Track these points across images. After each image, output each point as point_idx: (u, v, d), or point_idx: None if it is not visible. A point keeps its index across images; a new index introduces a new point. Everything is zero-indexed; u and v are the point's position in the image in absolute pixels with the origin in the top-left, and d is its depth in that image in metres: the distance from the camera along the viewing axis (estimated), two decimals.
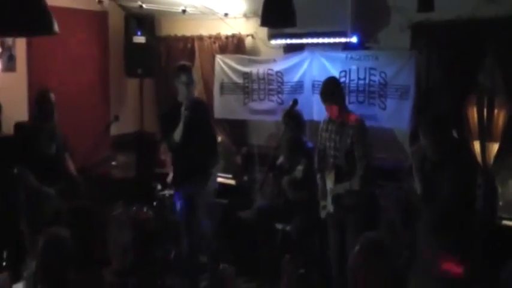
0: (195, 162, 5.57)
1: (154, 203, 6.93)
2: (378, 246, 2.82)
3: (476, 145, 5.47)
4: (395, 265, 2.77)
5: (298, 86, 6.63)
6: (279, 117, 6.15)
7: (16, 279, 4.50)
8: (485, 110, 5.40)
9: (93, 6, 7.17)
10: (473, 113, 5.47)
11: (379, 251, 2.79)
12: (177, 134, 5.52)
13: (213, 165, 5.78)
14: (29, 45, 6.71)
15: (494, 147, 5.40)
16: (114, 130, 7.24)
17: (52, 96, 5.63)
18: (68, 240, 3.43)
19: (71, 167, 5.94)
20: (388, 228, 5.63)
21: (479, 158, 5.44)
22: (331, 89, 5.31)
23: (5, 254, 4.53)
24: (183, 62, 5.99)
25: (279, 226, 6.10)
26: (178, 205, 5.84)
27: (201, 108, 5.73)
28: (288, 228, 6.00)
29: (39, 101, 5.66)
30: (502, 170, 5.45)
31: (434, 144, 4.37)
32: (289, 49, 6.85)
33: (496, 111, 5.38)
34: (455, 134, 4.87)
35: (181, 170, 5.75)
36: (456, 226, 4.30)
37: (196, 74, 7.49)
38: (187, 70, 5.67)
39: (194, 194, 5.62)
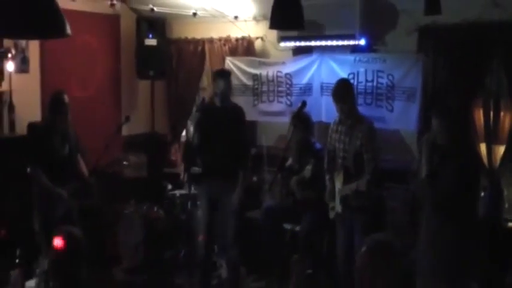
0: (218, 164, 5.62)
1: (165, 203, 7.01)
2: (385, 248, 2.82)
3: (483, 147, 5.50)
4: (402, 266, 2.77)
5: (307, 88, 6.69)
6: (288, 118, 6.19)
7: (28, 277, 4.57)
8: (491, 113, 5.44)
9: (105, 9, 7.24)
10: (479, 116, 5.50)
11: (386, 252, 2.78)
12: (193, 136, 5.62)
13: (242, 171, 5.72)
14: (42, 47, 6.76)
15: (500, 149, 5.43)
16: (126, 131, 7.31)
17: (66, 98, 5.68)
18: (80, 238, 3.48)
19: (83, 168, 5.99)
20: (395, 230, 5.67)
21: (485, 160, 5.46)
22: (344, 90, 5.36)
23: (18, 252, 4.58)
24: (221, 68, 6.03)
25: (288, 226, 6.16)
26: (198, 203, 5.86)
27: (231, 114, 5.71)
28: (296, 228, 6.05)
29: (53, 102, 5.69)
30: (507, 172, 5.47)
31: (446, 127, 4.32)
32: (298, 51, 6.92)
33: (502, 113, 5.42)
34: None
35: (205, 169, 5.81)
36: (456, 212, 4.33)
37: (206, 77, 7.60)
38: (221, 76, 5.74)
39: (220, 196, 5.66)
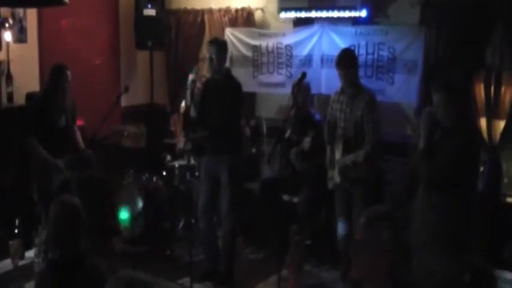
0: (212, 137, 5.58)
1: (164, 173, 7.02)
2: (384, 219, 2.82)
3: (483, 122, 5.50)
4: (401, 238, 2.77)
5: (307, 60, 6.66)
6: (287, 90, 6.17)
7: (28, 247, 4.59)
8: (492, 87, 5.42)
9: None
10: (480, 90, 5.49)
11: (384, 223, 2.79)
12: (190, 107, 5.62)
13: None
14: (39, 17, 6.72)
15: (501, 124, 5.42)
16: (125, 102, 7.30)
17: (69, 74, 5.65)
18: (79, 208, 3.47)
19: (79, 139, 5.99)
20: (393, 202, 5.68)
21: (485, 135, 5.46)
22: (348, 58, 5.33)
23: (17, 222, 4.59)
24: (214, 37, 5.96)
25: (286, 198, 6.17)
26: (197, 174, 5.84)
27: (226, 89, 5.58)
28: (294, 199, 6.06)
29: (56, 76, 5.65)
30: (507, 147, 5.48)
31: (446, 102, 4.29)
32: (299, 23, 6.86)
33: (503, 88, 5.40)
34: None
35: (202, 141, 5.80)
36: (452, 186, 4.33)
37: (205, 47, 7.55)
38: (212, 44, 5.66)
39: (216, 169, 5.63)
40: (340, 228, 5.38)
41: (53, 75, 5.67)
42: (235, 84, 5.60)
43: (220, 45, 5.64)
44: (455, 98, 4.29)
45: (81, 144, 5.96)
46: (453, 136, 4.24)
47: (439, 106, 4.30)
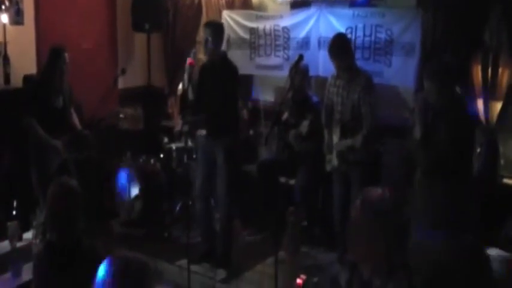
0: (209, 120, 5.59)
1: (161, 156, 7.03)
2: (380, 199, 2.83)
3: (480, 104, 5.50)
4: (397, 220, 2.77)
5: (305, 42, 6.63)
6: (285, 72, 6.16)
7: (26, 228, 4.61)
8: (489, 69, 5.41)
9: None
10: (477, 71, 5.48)
11: (380, 204, 2.79)
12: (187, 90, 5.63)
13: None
14: None
15: (497, 106, 5.43)
16: (122, 84, 7.28)
17: (67, 56, 5.64)
18: (76, 189, 3.48)
19: (76, 120, 5.99)
20: (391, 184, 5.69)
21: (481, 116, 5.47)
22: (340, 46, 5.34)
23: (15, 203, 4.61)
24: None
25: (283, 180, 6.18)
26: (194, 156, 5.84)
27: (223, 73, 5.58)
28: (292, 182, 6.07)
29: (54, 58, 5.65)
30: (504, 128, 5.48)
31: (438, 89, 4.35)
32: (296, 5, 6.83)
33: (500, 70, 5.39)
34: (459, 90, 4.90)
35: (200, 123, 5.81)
36: (450, 172, 4.35)
37: (202, 31, 7.53)
38: (208, 27, 5.66)
39: (213, 151, 5.64)
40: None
41: (51, 57, 5.68)
42: (232, 68, 5.59)
43: (215, 28, 5.63)
44: (446, 83, 4.36)
45: (78, 125, 5.97)
46: (446, 119, 4.29)
47: (430, 92, 4.37)
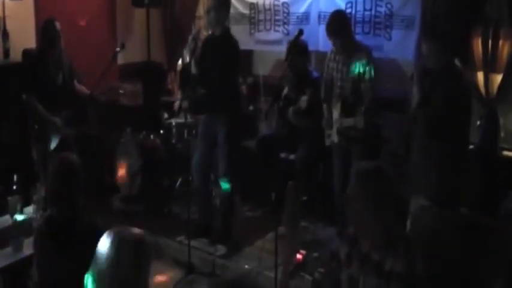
0: (209, 95, 5.59)
1: (161, 131, 7.02)
2: (373, 172, 2.84)
3: (480, 76, 5.48)
4: (392, 192, 2.78)
5: (304, 17, 6.59)
6: (284, 47, 6.13)
7: (26, 203, 4.62)
8: (490, 41, 5.39)
9: None
10: (478, 44, 5.45)
11: (374, 176, 2.81)
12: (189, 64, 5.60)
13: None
14: None
15: (498, 78, 5.40)
16: (122, 59, 7.24)
17: (57, 24, 5.61)
18: (77, 164, 3.49)
19: (83, 89, 5.95)
20: (391, 158, 5.70)
21: (482, 89, 5.46)
22: (338, 24, 5.30)
23: (15, 178, 4.61)
24: None
25: (283, 155, 6.18)
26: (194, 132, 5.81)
27: (223, 47, 5.53)
28: (291, 157, 6.08)
29: (44, 29, 5.64)
30: (504, 101, 5.47)
31: (436, 51, 4.38)
32: None
33: (501, 42, 5.35)
34: (458, 63, 4.89)
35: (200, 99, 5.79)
36: (448, 133, 4.37)
37: (202, 5, 7.48)
38: None
39: (213, 127, 5.63)
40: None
41: (42, 29, 5.67)
42: (233, 43, 5.55)
43: (219, 0, 5.57)
44: (445, 46, 4.39)
45: (86, 91, 5.87)
46: (442, 84, 4.32)
47: (429, 54, 4.41)
